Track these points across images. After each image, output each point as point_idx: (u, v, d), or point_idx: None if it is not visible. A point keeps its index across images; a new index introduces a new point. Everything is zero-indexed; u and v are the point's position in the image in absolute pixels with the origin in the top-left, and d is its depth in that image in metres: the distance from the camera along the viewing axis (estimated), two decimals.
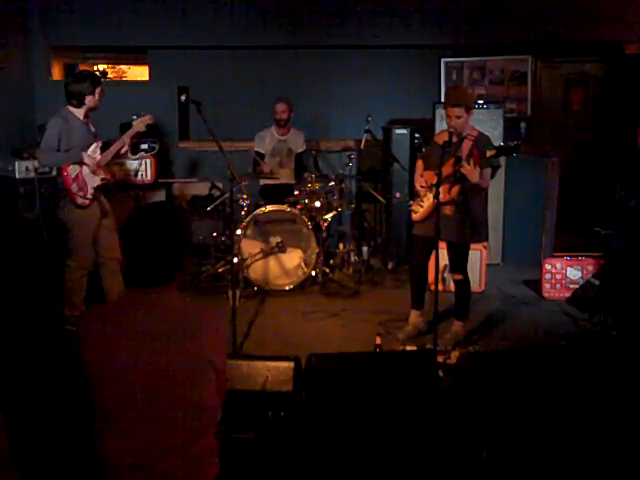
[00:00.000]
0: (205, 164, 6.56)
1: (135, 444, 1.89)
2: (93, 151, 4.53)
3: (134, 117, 4.76)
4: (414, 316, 4.56)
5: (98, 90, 4.49)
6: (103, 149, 4.61)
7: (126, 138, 4.69)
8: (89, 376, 1.93)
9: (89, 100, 4.47)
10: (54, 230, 5.15)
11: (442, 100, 4.35)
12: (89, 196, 4.50)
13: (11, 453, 1.90)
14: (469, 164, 3.98)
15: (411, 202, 4.50)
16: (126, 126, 6.16)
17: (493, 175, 4.25)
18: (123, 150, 4.75)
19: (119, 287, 4.56)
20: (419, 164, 4.47)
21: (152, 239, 1.96)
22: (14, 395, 2.84)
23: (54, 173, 5.14)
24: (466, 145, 4.16)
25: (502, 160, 4.42)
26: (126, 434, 1.89)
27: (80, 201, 4.47)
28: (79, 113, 4.48)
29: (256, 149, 6.08)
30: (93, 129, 4.63)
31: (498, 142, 5.27)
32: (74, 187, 4.45)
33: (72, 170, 4.45)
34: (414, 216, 4.39)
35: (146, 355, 1.89)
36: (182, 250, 2.01)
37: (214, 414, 2.02)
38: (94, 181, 4.53)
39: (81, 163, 4.46)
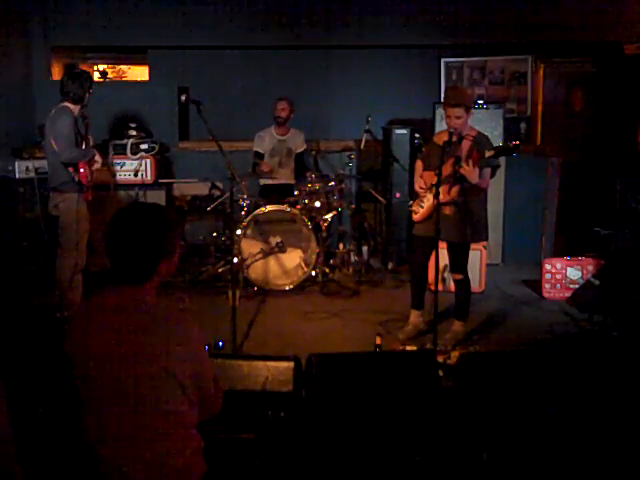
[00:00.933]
0: (205, 164, 6.55)
1: (107, 440, 1.91)
2: None
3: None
4: (414, 316, 4.56)
5: (91, 89, 4.60)
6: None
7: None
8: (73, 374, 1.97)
9: (86, 99, 4.56)
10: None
11: (442, 100, 4.35)
12: (89, 192, 4.67)
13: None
14: (468, 165, 3.98)
15: (411, 202, 4.50)
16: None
17: (493, 175, 4.25)
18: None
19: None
20: (418, 165, 4.47)
21: (127, 236, 1.95)
22: (14, 396, 2.84)
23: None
24: (465, 145, 4.16)
25: (502, 160, 4.42)
26: (101, 429, 1.93)
27: (90, 197, 4.64)
28: (76, 110, 4.56)
29: (255, 149, 6.07)
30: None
31: (498, 142, 5.26)
32: (88, 184, 4.60)
33: (84, 168, 4.57)
34: (414, 217, 4.39)
35: (109, 354, 1.90)
36: (157, 250, 1.97)
37: (181, 421, 1.97)
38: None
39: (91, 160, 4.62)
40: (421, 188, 4.31)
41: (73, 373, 1.96)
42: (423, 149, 5.24)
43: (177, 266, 2.11)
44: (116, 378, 1.90)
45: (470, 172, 3.98)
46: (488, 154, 3.95)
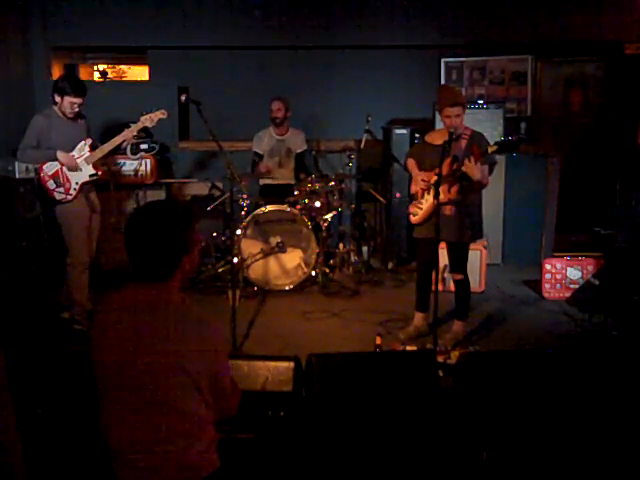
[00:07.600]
0: (205, 164, 6.56)
1: (125, 434, 1.94)
2: (80, 149, 4.55)
3: (143, 113, 4.71)
4: (418, 319, 4.53)
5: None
6: (95, 148, 4.61)
7: (129, 133, 4.67)
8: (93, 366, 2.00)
9: (57, 99, 4.46)
10: (54, 230, 5.15)
11: (439, 101, 4.33)
12: (72, 192, 4.52)
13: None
14: (470, 161, 3.98)
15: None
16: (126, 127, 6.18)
17: (490, 172, 4.25)
18: (124, 144, 4.72)
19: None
20: (411, 163, 4.38)
21: (148, 234, 1.97)
22: (16, 397, 2.84)
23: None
24: (462, 144, 4.16)
25: (502, 160, 4.42)
26: (117, 423, 1.95)
27: (60, 197, 4.50)
28: (59, 111, 4.50)
29: (254, 149, 6.06)
30: (85, 128, 4.65)
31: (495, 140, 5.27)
32: (51, 184, 4.49)
33: (48, 168, 4.50)
34: (413, 219, 4.36)
35: (130, 350, 1.92)
36: (178, 247, 1.99)
37: (195, 419, 1.97)
38: (80, 177, 4.54)
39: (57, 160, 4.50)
40: (422, 189, 4.29)
41: (93, 367, 1.98)
42: (417, 144, 5.20)
43: (198, 262, 2.12)
44: (134, 373, 1.91)
45: (472, 168, 3.97)
46: (491, 149, 3.95)
